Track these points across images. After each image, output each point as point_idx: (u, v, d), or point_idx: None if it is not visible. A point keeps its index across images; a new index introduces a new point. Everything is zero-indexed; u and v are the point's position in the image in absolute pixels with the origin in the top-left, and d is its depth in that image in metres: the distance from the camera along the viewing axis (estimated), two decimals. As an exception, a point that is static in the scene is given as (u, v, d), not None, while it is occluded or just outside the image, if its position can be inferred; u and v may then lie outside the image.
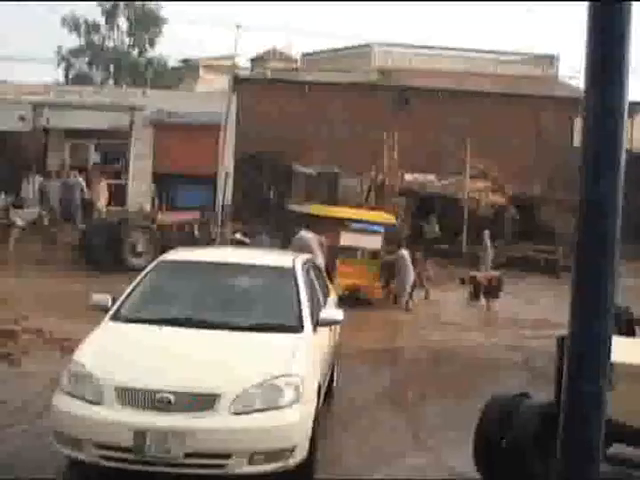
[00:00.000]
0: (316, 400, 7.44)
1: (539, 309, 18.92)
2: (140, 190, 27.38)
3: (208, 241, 21.51)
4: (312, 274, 9.55)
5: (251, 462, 6.74)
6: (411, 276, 18.34)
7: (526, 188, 28.40)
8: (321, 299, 9.38)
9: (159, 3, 52.80)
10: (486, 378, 12.34)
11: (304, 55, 42.92)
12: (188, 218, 23.32)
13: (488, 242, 22.02)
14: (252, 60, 43.21)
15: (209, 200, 26.39)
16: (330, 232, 18.67)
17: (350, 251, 18.90)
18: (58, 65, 52.51)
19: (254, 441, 6.77)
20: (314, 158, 27.70)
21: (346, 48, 37.83)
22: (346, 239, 18.94)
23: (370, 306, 17.69)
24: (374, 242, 19.17)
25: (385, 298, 18.68)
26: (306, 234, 17.42)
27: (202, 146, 27.09)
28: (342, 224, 19.15)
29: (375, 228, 19.34)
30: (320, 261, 15.78)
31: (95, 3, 51.73)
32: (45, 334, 12.93)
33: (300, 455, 6.97)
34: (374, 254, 19.25)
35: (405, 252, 18.57)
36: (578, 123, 30.82)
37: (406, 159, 26.62)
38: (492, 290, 19.32)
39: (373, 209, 23.52)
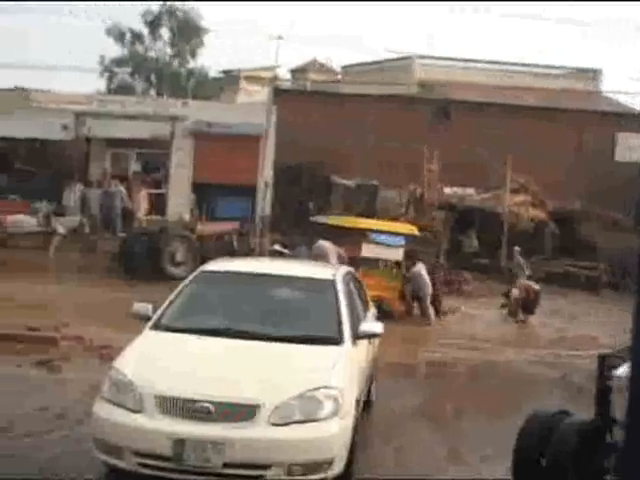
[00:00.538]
0: (355, 413, 7.42)
1: (578, 326, 18.74)
2: (180, 200, 27.52)
3: (247, 252, 21.55)
4: (352, 286, 9.54)
5: (289, 473, 6.74)
6: (428, 289, 18.10)
7: (566, 203, 28.21)
8: (361, 312, 9.37)
9: (200, 14, 53.18)
10: (524, 394, 12.25)
11: (344, 67, 43.05)
12: (227, 228, 23.41)
13: (520, 259, 21.76)
14: (292, 71, 43.45)
15: (248, 211, 26.48)
16: (352, 243, 18.64)
17: (372, 262, 18.73)
18: (101, 75, 53.14)
19: (293, 452, 6.77)
20: (353, 170, 27.72)
21: (387, 60, 37.88)
22: (367, 250, 18.85)
23: (394, 319, 17.45)
24: (396, 253, 19.04)
25: (407, 311, 18.44)
26: (324, 244, 17.39)
27: (242, 157, 27.16)
28: (363, 235, 19.10)
29: (397, 239, 19.23)
30: None
31: (138, 14, 52.28)
32: (85, 341, 13.06)
33: (338, 468, 6.96)
34: (397, 265, 19.09)
35: (421, 266, 18.36)
36: (620, 138, 30.67)
37: (445, 172, 26.55)
38: (529, 305, 19.14)
39: (411, 222, 23.49)
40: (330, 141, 27.95)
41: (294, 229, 23.30)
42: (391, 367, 12.16)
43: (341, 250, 17.75)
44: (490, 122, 29.45)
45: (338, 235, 18.80)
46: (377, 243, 19.00)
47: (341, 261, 16.80)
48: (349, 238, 18.98)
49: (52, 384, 10.73)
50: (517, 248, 22.01)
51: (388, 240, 19.04)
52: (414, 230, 20.13)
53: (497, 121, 29.50)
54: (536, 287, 19.59)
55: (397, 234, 19.50)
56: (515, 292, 19.36)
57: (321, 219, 21.49)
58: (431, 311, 18.11)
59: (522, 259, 21.72)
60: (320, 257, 16.54)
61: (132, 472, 6.90)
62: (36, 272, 20.40)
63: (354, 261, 17.17)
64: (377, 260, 19.06)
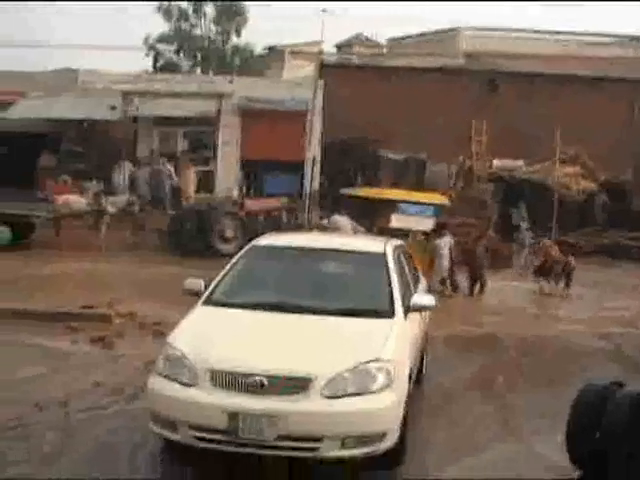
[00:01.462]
0: (407, 386, 7.42)
1: (629, 297, 18.47)
2: (228, 177, 27.63)
3: (295, 227, 21.60)
4: (402, 259, 9.52)
5: (342, 446, 6.78)
6: (445, 263, 17.74)
7: (618, 173, 27.84)
8: (411, 284, 9.35)
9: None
10: (575, 366, 12.14)
11: (390, 40, 42.76)
12: (275, 204, 23.48)
13: (526, 234, 21.25)
14: (338, 46, 43.22)
15: (296, 187, 26.51)
16: (382, 214, 18.44)
17: (402, 234, 18.45)
18: (146, 54, 53.32)
19: (346, 425, 6.79)
20: (401, 144, 27.57)
21: (433, 32, 37.58)
22: (397, 221, 18.65)
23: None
24: (426, 224, 18.81)
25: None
26: (339, 218, 17.17)
27: (289, 133, 27.15)
28: (394, 206, 18.89)
29: (427, 210, 18.99)
30: None
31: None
32: (138, 318, 13.19)
33: (391, 440, 6.98)
34: (427, 236, 18.79)
35: (447, 239, 18.02)
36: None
37: (494, 145, 26.35)
38: (561, 276, 18.81)
39: (460, 195, 23.38)
40: (377, 115, 27.82)
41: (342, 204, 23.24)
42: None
43: (357, 224, 17.46)
44: (539, 93, 29.15)
45: (368, 207, 18.65)
46: (407, 214, 18.80)
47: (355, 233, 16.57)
48: (379, 209, 18.80)
49: (107, 360, 10.87)
50: (523, 225, 21.53)
51: (418, 210, 18.81)
52: (445, 200, 19.88)
53: (546, 91, 29.17)
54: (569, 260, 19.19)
55: (427, 204, 19.27)
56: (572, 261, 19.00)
57: (350, 191, 21.38)
58: (445, 284, 17.71)
59: (529, 234, 21.27)
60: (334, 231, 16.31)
61: (187, 445, 6.97)
62: (87, 251, 20.68)
63: (384, 232, 17.00)
64: (407, 231, 18.62)
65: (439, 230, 18.43)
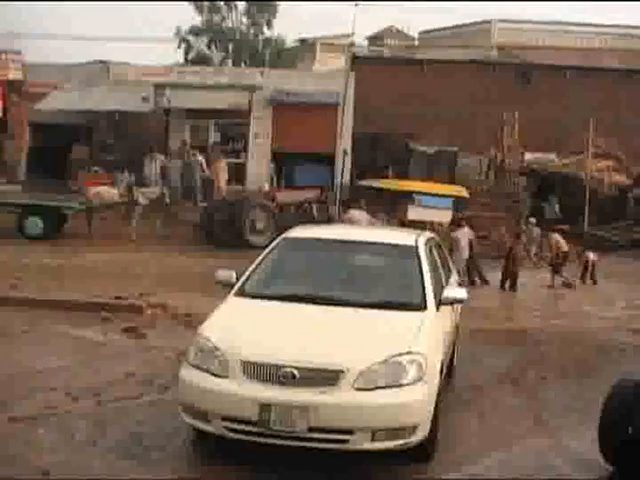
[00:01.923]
0: (438, 379, 7.41)
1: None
2: (259, 169, 27.71)
3: (326, 220, 21.61)
4: (434, 252, 9.50)
5: (373, 439, 6.78)
6: (463, 255, 17.56)
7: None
8: (443, 277, 9.33)
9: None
10: (606, 360, 12.07)
11: (422, 33, 42.65)
12: (307, 197, 23.50)
13: (535, 230, 21.06)
14: (369, 38, 43.16)
15: (327, 179, 26.53)
16: (400, 206, 18.30)
17: (420, 226, 18.25)
18: (178, 46, 53.47)
19: (377, 418, 6.78)
20: (432, 137, 27.48)
21: (465, 25, 37.43)
22: (414, 213, 18.51)
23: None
24: (444, 215, 18.64)
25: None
26: (354, 213, 17.03)
27: (320, 125, 27.19)
28: (411, 198, 18.76)
29: (444, 202, 18.83)
30: None
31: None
32: (169, 309, 13.26)
33: (422, 433, 6.97)
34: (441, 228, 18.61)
35: (465, 231, 17.84)
36: None
37: (527, 138, 26.19)
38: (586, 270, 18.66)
39: (492, 189, 23.26)
40: (408, 107, 27.77)
41: (373, 197, 23.23)
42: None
43: (374, 219, 17.34)
44: (571, 85, 28.96)
45: (386, 198, 18.54)
46: (424, 206, 18.66)
47: None
48: (397, 201, 18.70)
49: (139, 350, 10.94)
50: (532, 219, 21.35)
51: (435, 202, 18.66)
52: (463, 192, 19.74)
53: (578, 84, 28.96)
54: (592, 256, 19.01)
55: (445, 196, 19.12)
56: (590, 256, 18.90)
57: (368, 183, 21.31)
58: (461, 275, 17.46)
59: (538, 230, 21.07)
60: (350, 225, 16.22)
61: (219, 436, 7.01)
62: (119, 242, 20.83)
63: (402, 224, 16.89)
64: (425, 223, 18.45)
65: (457, 222, 18.32)
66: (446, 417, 8.05)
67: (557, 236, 19.26)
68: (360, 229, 13.01)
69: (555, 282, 18.38)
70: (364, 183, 21.35)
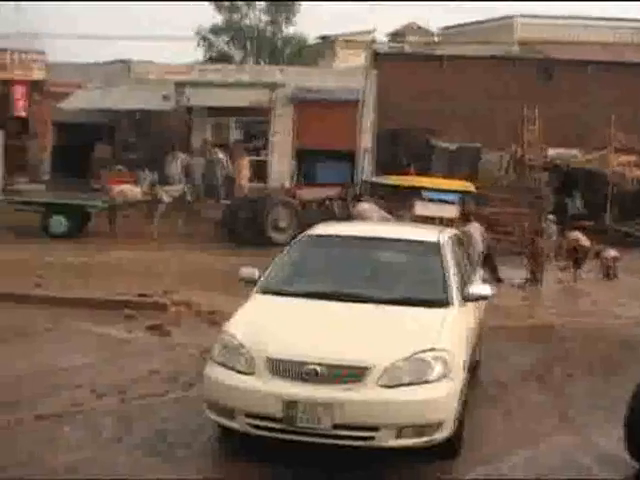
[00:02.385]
0: (463, 375, 7.38)
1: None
2: (280, 166, 27.75)
3: (348, 217, 21.58)
4: (458, 248, 9.46)
5: (398, 436, 6.77)
6: (478, 249, 17.17)
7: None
8: (467, 274, 9.29)
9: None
10: (631, 357, 11.98)
11: (443, 29, 42.50)
12: (328, 194, 23.48)
13: (552, 226, 20.89)
14: (390, 35, 43.03)
15: (348, 176, 26.52)
16: (407, 202, 18.24)
17: (427, 221, 17.87)
18: (198, 45, 53.49)
19: (402, 415, 6.77)
20: (454, 133, 27.40)
21: (487, 21, 37.27)
22: (421, 208, 18.45)
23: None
24: (450, 211, 18.56)
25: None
26: (364, 206, 16.89)
27: (341, 122, 27.19)
28: (418, 193, 18.71)
29: (452, 197, 18.76)
30: None
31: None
32: (193, 306, 13.28)
33: (447, 430, 6.95)
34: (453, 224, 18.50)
35: (476, 225, 17.68)
36: None
37: (549, 133, 26.05)
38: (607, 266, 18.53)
39: (514, 184, 23.14)
40: (430, 104, 27.68)
41: (393, 194, 23.20)
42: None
43: (384, 212, 17.23)
44: (593, 80, 28.78)
45: (393, 194, 18.47)
46: (430, 200, 18.61)
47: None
48: (404, 197, 18.64)
49: (163, 348, 10.97)
50: (551, 216, 21.19)
51: (443, 197, 18.60)
52: (469, 187, 19.64)
53: (600, 79, 28.79)
54: (612, 252, 18.84)
55: (452, 191, 19.06)
56: (610, 253, 18.72)
57: (376, 179, 21.28)
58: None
59: (554, 226, 20.90)
60: (359, 220, 16.16)
61: (244, 433, 7.02)
62: (142, 240, 20.89)
63: (416, 220, 16.81)
64: (432, 219, 18.31)
65: (466, 217, 18.21)
66: (471, 414, 8.03)
67: (577, 233, 19.12)
68: (383, 226, 12.97)
69: (576, 277, 18.26)
70: (373, 180, 21.33)
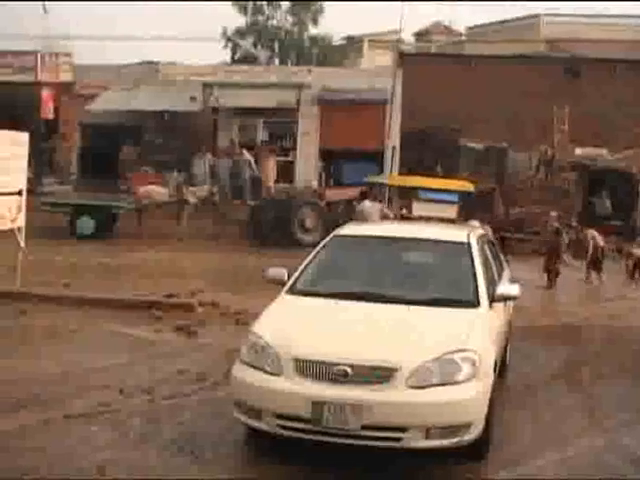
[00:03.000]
0: (492, 376, 7.34)
1: None
2: (307, 167, 27.76)
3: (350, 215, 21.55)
4: (487, 249, 9.42)
5: (427, 437, 6.72)
6: None
7: None
8: (496, 274, 9.25)
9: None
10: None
11: (469, 28, 42.41)
12: (355, 194, 23.43)
13: (557, 225, 20.64)
14: (416, 35, 43.00)
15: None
16: (405, 201, 18.14)
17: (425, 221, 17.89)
18: (225, 46, 53.65)
19: (430, 415, 6.74)
20: (481, 132, 27.30)
21: (513, 20, 37.14)
22: (419, 208, 18.35)
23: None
24: (449, 211, 18.44)
25: None
26: (367, 204, 16.76)
27: (368, 122, 27.16)
28: (416, 193, 18.62)
29: (450, 197, 18.64)
30: None
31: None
32: (220, 307, 13.30)
33: (476, 431, 6.91)
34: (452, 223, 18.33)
35: (474, 223, 17.48)
36: None
37: (576, 133, 25.91)
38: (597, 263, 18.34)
39: (542, 184, 23.00)
40: (457, 103, 27.60)
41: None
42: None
43: (387, 209, 17.10)
44: (621, 79, 28.57)
45: (392, 194, 18.36)
46: (429, 200, 18.51)
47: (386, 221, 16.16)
48: (402, 197, 18.55)
49: (189, 348, 10.99)
50: (553, 213, 21.00)
51: (441, 197, 18.50)
52: (468, 186, 19.53)
53: (628, 78, 28.57)
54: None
55: (450, 191, 18.94)
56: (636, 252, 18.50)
57: (375, 179, 21.23)
58: None
59: (559, 226, 20.69)
60: (359, 219, 16.08)
61: (272, 433, 7.01)
62: (169, 241, 20.98)
63: (407, 220, 16.72)
64: (430, 219, 17.98)
65: (463, 215, 18.10)
66: (500, 415, 7.98)
67: (593, 232, 18.94)
68: (411, 226, 12.91)
69: (599, 278, 18.09)
70: (370, 180, 21.30)
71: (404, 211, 19.81)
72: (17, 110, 27.12)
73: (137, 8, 73.96)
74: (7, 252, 14.65)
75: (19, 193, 14.02)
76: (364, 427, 6.66)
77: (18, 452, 7.17)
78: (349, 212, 22.01)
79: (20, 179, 14.11)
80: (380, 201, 18.20)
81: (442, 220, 17.66)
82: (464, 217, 18.17)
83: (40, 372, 9.46)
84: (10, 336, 11.15)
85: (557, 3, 64.28)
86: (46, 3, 34.28)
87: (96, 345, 10.95)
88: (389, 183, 20.00)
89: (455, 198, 18.87)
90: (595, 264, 18.22)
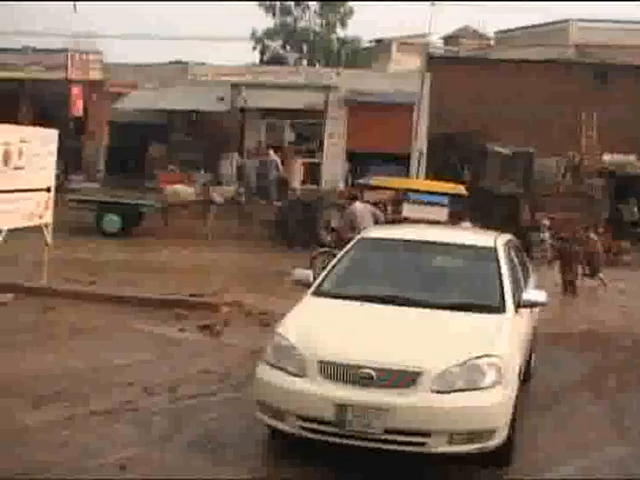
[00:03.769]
0: (517, 383, 7.29)
1: None
2: (333, 168, 27.73)
3: (401, 220, 21.49)
4: (513, 254, 9.37)
5: (450, 442, 6.69)
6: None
7: None
8: (522, 279, 9.20)
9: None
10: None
11: (498, 32, 42.24)
12: (381, 197, 23.39)
13: (546, 234, 20.42)
14: (445, 38, 42.91)
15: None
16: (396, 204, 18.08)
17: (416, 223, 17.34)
18: (254, 47, 53.79)
19: (454, 421, 6.70)
20: (509, 137, 27.14)
21: (542, 25, 36.95)
22: (409, 210, 18.25)
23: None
24: (439, 214, 18.32)
25: None
26: (357, 206, 16.59)
27: (395, 125, 27.13)
28: (406, 195, 18.56)
29: (440, 199, 18.54)
30: None
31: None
32: (245, 307, 13.31)
33: (499, 438, 6.86)
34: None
35: (467, 225, 17.33)
36: None
37: (604, 139, 25.73)
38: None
39: (569, 190, 22.87)
40: (485, 108, 27.51)
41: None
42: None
43: (378, 211, 17.00)
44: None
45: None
46: (420, 203, 18.43)
47: (377, 223, 16.00)
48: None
49: (213, 348, 11.00)
50: (545, 222, 20.77)
51: (431, 200, 18.42)
52: (459, 189, 19.42)
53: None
54: None
55: (441, 194, 18.87)
56: None
57: (364, 181, 21.20)
58: None
59: (548, 234, 20.48)
60: (351, 220, 16.00)
61: (294, 435, 7.00)
62: (194, 240, 21.04)
63: (398, 222, 16.64)
64: (420, 221, 17.71)
65: (457, 219, 17.97)
66: (524, 422, 7.93)
67: (593, 235, 18.70)
68: (438, 230, 12.84)
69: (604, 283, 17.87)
70: (361, 181, 21.30)
71: (388, 211, 19.68)
72: (47, 107, 27.32)
73: (168, 8, 74.22)
74: (34, 248, 14.76)
75: (47, 190, 14.12)
76: (387, 431, 6.64)
77: (42, 447, 7.21)
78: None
79: (49, 176, 14.21)
80: (375, 204, 18.07)
81: (431, 222, 17.59)
82: (455, 219, 18.08)
83: (65, 368, 9.51)
84: (36, 332, 11.21)
85: (592, 7, 63.86)
86: (77, 3, 34.27)
87: (121, 342, 10.98)
88: (374, 184, 19.96)
89: (445, 200, 18.79)
90: (592, 269, 17.95)
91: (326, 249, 16.73)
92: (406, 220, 17.90)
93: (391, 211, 22.60)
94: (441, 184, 20.80)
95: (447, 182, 21.07)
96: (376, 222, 15.99)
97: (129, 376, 9.30)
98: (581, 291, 17.34)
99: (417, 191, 19.25)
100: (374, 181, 20.79)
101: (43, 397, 8.37)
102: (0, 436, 7.39)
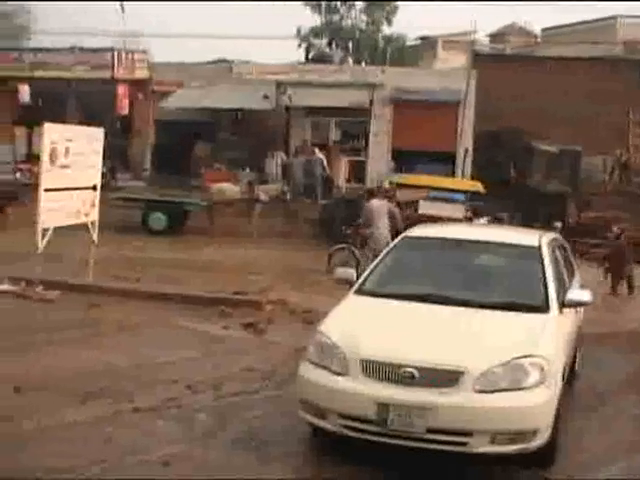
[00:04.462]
0: (560, 383, 7.23)
1: None
2: (378, 167, 27.65)
3: (416, 218, 21.39)
4: (558, 253, 9.29)
5: (492, 442, 6.65)
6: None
7: None
8: (566, 279, 9.12)
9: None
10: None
11: (545, 30, 41.92)
12: (415, 195, 23.30)
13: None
14: (491, 36, 42.62)
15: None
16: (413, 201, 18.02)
17: (433, 220, 17.03)
18: (299, 45, 53.85)
19: (496, 421, 6.66)
20: (555, 135, 26.93)
21: (589, 21, 36.61)
22: (425, 207, 18.09)
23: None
24: (456, 211, 18.12)
25: None
26: (373, 202, 16.44)
27: (440, 123, 27.01)
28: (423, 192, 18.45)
29: (457, 196, 18.35)
30: (382, 231, 15.37)
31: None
32: (288, 305, 13.34)
33: (542, 438, 6.82)
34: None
35: (483, 221, 17.04)
36: None
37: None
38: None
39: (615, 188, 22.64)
40: (531, 106, 27.33)
41: (494, 196, 22.91)
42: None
43: (394, 208, 16.87)
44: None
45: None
46: (435, 199, 18.29)
47: (393, 220, 15.95)
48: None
49: (257, 346, 11.04)
50: (558, 224, 20.38)
51: (448, 197, 18.29)
52: (477, 186, 19.23)
53: None
54: None
55: (458, 191, 18.70)
56: None
57: (389, 177, 21.14)
58: None
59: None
60: (368, 217, 15.92)
61: (336, 433, 7.01)
62: (239, 238, 21.12)
63: (413, 219, 16.54)
64: (437, 218, 17.78)
65: (473, 215, 17.81)
66: (568, 423, 7.87)
67: (623, 240, 18.34)
68: (482, 228, 12.78)
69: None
70: (392, 180, 21.32)
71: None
72: (93, 107, 27.60)
73: (213, 7, 74.57)
74: (80, 246, 14.92)
75: (93, 188, 14.27)
76: (429, 430, 6.62)
77: (87, 442, 7.30)
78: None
79: (95, 174, 14.36)
80: (389, 199, 18.00)
81: (446, 219, 17.51)
82: (472, 216, 17.98)
83: (111, 364, 9.61)
84: (82, 329, 11.33)
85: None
86: (124, 2, 34.50)
87: (165, 340, 11.08)
88: (399, 182, 19.90)
89: (462, 197, 18.67)
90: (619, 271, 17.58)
91: (343, 245, 16.78)
92: (422, 217, 17.84)
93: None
94: (457, 181, 20.76)
95: (490, 181, 20.99)
96: (392, 219, 15.96)
97: (173, 373, 9.36)
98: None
99: (438, 189, 19.18)
100: (401, 179, 20.79)
101: (89, 393, 8.45)
102: (48, 432, 7.48)
